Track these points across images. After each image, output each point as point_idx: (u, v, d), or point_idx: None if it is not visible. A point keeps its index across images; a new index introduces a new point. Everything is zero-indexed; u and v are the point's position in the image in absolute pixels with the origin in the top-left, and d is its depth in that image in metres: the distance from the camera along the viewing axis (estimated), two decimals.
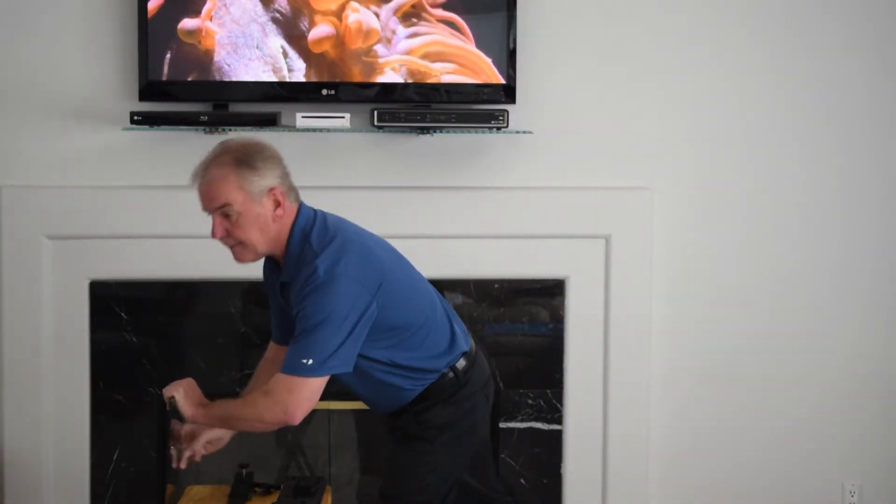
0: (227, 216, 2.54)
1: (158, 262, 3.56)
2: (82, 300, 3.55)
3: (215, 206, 2.54)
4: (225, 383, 3.63)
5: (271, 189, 2.57)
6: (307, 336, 2.49)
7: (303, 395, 2.51)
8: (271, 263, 2.74)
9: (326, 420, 3.72)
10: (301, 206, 2.65)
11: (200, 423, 2.68)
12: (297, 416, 2.54)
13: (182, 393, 2.64)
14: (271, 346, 2.94)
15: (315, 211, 2.67)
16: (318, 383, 2.53)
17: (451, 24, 3.49)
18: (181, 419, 2.65)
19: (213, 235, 2.57)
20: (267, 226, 2.57)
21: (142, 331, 3.61)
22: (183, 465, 2.71)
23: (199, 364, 3.63)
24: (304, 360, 2.48)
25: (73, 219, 3.52)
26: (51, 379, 3.55)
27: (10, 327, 3.53)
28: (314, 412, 3.72)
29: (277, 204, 2.57)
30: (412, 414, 2.71)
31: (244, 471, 3.26)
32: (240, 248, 2.58)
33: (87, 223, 3.54)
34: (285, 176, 2.63)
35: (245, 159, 2.55)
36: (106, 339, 3.58)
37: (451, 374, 2.71)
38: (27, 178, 3.55)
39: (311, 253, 2.53)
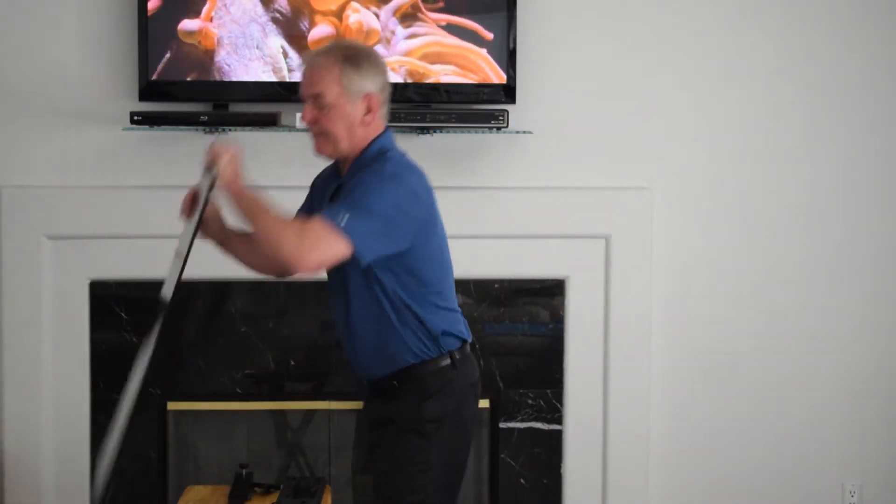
0: (319, 106, 2.55)
1: (158, 262, 3.54)
2: (82, 300, 3.55)
3: (310, 92, 2.56)
4: (225, 383, 3.63)
5: (368, 94, 2.56)
6: (350, 203, 2.46)
7: (326, 247, 2.42)
8: (331, 170, 2.72)
9: (326, 420, 3.72)
10: (388, 128, 2.65)
11: (231, 194, 2.54)
12: (305, 264, 2.43)
13: (228, 158, 2.53)
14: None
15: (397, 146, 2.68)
16: (342, 245, 2.43)
17: (456, 27, 3.50)
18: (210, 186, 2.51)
19: (302, 118, 2.58)
20: (353, 127, 2.56)
21: (142, 331, 3.59)
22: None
23: (199, 364, 3.63)
24: (342, 216, 2.43)
25: (73, 219, 3.52)
26: (51, 379, 3.55)
27: (10, 327, 3.53)
28: (314, 412, 3.74)
29: (369, 110, 2.57)
30: (414, 403, 2.63)
31: (244, 471, 3.27)
32: (322, 139, 2.56)
33: (87, 223, 3.54)
34: (385, 89, 2.62)
35: (353, 58, 2.56)
36: (106, 339, 3.58)
37: (447, 360, 2.66)
38: (27, 178, 3.55)
39: (383, 158, 2.56)
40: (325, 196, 2.68)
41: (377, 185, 2.49)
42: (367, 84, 2.56)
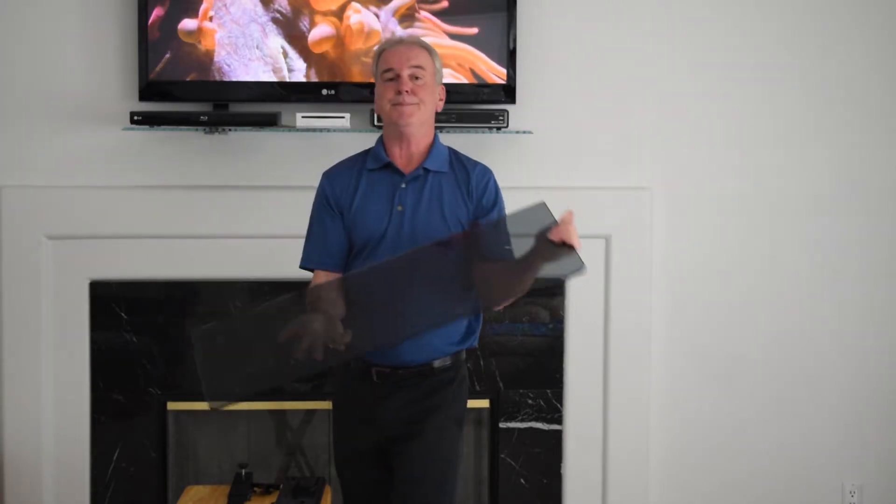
0: (415, 78, 2.72)
1: (158, 262, 3.56)
2: (82, 300, 3.55)
3: (413, 63, 2.73)
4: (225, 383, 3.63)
5: (442, 85, 2.83)
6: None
7: None
8: (361, 170, 2.81)
9: (326, 420, 3.72)
10: None
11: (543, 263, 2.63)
12: None
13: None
14: (319, 274, 2.81)
15: None
16: None
17: (454, 25, 3.50)
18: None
19: (402, 87, 2.70)
20: (433, 105, 2.78)
21: (142, 331, 3.61)
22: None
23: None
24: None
25: (73, 219, 3.52)
26: (51, 379, 3.55)
27: (10, 327, 3.53)
28: (314, 412, 3.74)
29: (441, 98, 2.82)
30: (451, 395, 2.75)
31: (244, 471, 3.27)
32: (414, 108, 2.72)
33: (87, 223, 3.54)
34: None
35: (436, 53, 2.83)
36: (106, 339, 3.58)
37: (462, 356, 2.81)
38: (27, 178, 3.55)
39: (468, 161, 2.82)
40: (387, 194, 2.74)
41: (499, 196, 2.85)
42: (442, 76, 2.84)
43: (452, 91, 3.50)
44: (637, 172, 3.70)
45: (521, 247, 2.62)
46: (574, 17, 3.65)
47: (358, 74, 3.48)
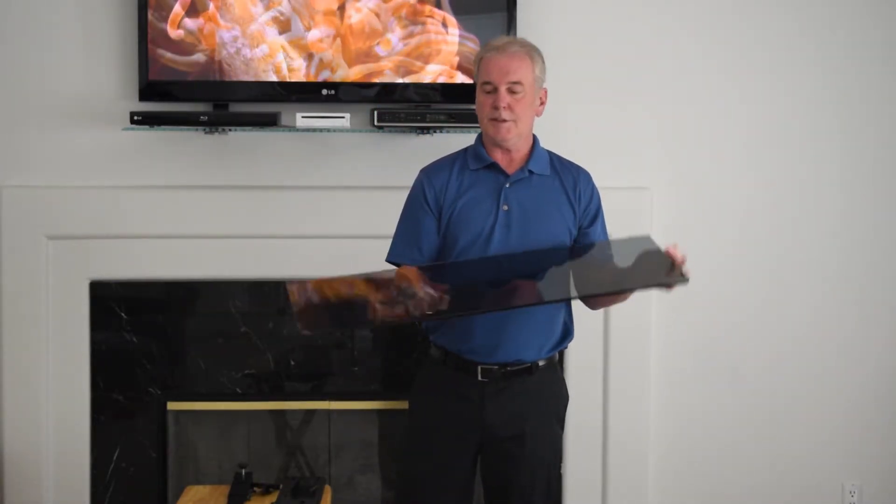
0: (512, 92, 2.69)
1: (158, 262, 3.56)
2: (82, 300, 3.55)
3: (510, 80, 2.69)
4: (225, 383, 3.63)
5: (544, 88, 2.78)
6: (604, 225, 2.88)
7: None
8: (479, 167, 2.78)
9: (326, 420, 3.72)
10: None
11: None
12: None
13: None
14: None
15: None
16: None
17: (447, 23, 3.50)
18: None
19: (499, 103, 2.68)
20: (531, 116, 2.75)
21: (142, 331, 3.61)
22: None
23: (199, 364, 3.63)
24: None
25: (73, 219, 3.52)
26: (51, 379, 3.55)
27: (10, 327, 3.53)
28: (314, 412, 3.74)
29: (541, 103, 2.78)
30: (555, 394, 2.82)
31: (243, 471, 3.27)
32: (512, 125, 2.70)
33: (87, 223, 3.54)
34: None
35: (539, 53, 2.77)
36: (106, 339, 3.58)
37: (557, 357, 2.87)
38: (27, 178, 3.55)
39: (571, 165, 2.84)
40: (487, 192, 2.75)
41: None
42: (544, 78, 2.77)
43: (452, 91, 3.51)
44: (637, 172, 3.70)
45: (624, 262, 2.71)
46: (574, 17, 3.65)
47: (358, 74, 3.48)
